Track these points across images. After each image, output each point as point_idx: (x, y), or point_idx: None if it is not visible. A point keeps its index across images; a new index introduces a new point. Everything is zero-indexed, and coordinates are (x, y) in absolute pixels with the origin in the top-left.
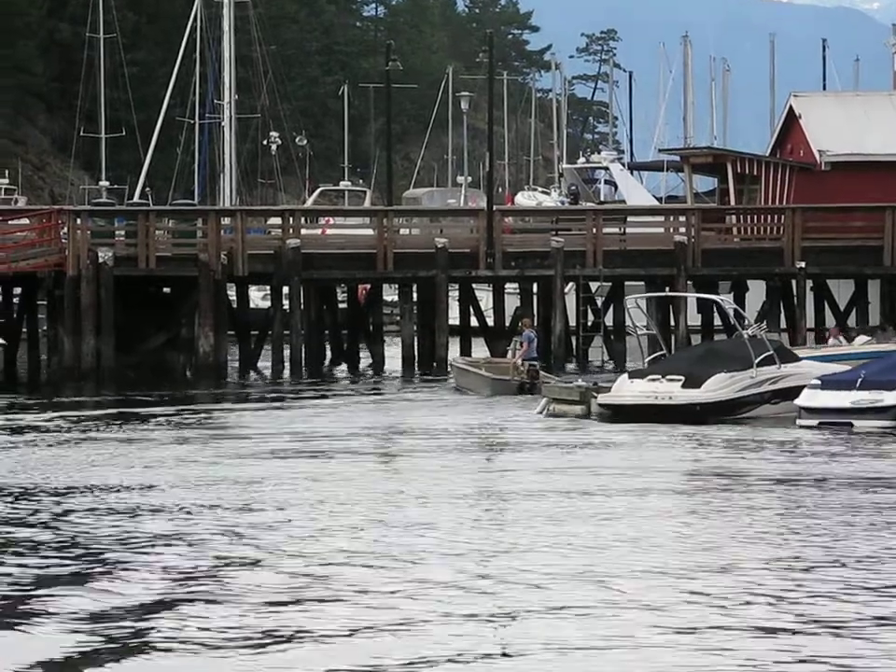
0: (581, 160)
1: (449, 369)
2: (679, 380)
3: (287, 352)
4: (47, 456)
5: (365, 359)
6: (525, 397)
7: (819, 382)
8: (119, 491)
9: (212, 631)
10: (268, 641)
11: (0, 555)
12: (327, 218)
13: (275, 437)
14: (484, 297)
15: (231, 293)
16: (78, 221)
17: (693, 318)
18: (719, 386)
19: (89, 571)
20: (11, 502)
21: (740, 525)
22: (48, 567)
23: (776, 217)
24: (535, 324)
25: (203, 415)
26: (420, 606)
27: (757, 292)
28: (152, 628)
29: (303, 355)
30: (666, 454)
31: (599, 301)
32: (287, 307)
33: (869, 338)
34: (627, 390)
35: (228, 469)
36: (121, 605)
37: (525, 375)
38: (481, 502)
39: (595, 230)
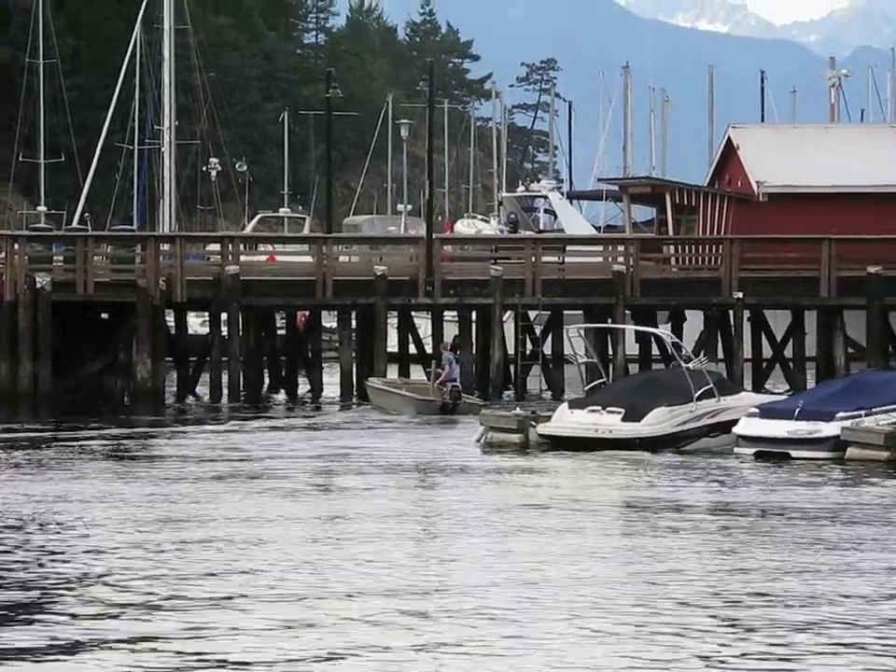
0: (521, 188)
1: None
2: (620, 412)
3: (225, 378)
4: None
5: (304, 386)
6: (454, 422)
7: (758, 410)
8: None
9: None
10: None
11: None
12: (265, 245)
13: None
14: (423, 324)
15: (170, 319)
16: (16, 246)
17: (632, 348)
18: (658, 421)
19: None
20: None
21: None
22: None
23: (713, 247)
24: (474, 350)
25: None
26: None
27: (695, 322)
28: None
29: (241, 381)
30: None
31: (538, 330)
32: (225, 333)
33: None
34: (567, 421)
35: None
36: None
37: (448, 396)
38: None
39: (534, 258)
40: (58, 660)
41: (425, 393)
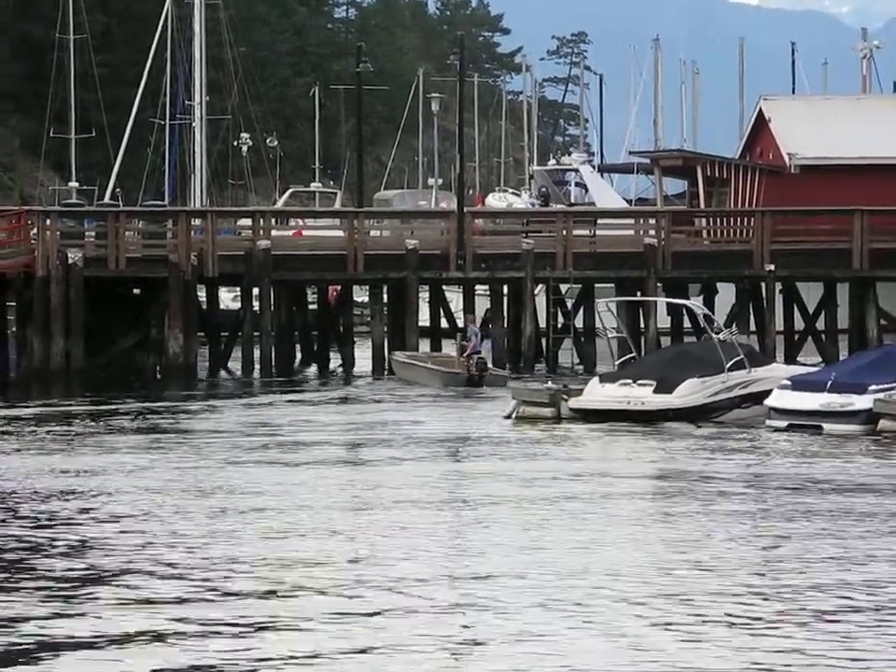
0: (552, 162)
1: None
2: (651, 384)
3: (256, 353)
4: None
5: (335, 361)
6: (483, 395)
7: (790, 382)
8: None
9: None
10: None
11: None
12: (296, 220)
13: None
14: (455, 298)
15: (202, 294)
16: (48, 222)
17: (663, 321)
18: (690, 392)
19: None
20: None
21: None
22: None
23: (745, 219)
24: (505, 324)
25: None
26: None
27: (727, 295)
28: None
29: (273, 356)
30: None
31: (569, 304)
32: (257, 308)
33: None
34: (599, 394)
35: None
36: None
37: (474, 368)
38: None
39: (565, 232)
40: (77, 623)
41: (450, 366)
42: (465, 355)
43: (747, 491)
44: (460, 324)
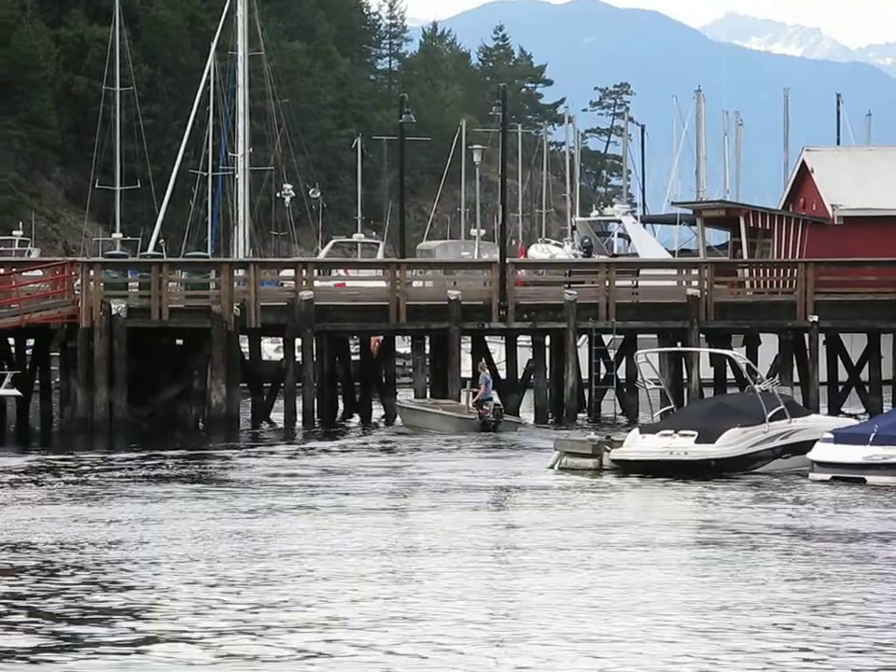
0: (595, 213)
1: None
2: (692, 435)
3: (299, 404)
4: None
5: (378, 411)
6: (502, 443)
7: (832, 436)
8: None
9: None
10: None
11: None
12: (340, 271)
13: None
14: (497, 349)
15: (244, 345)
16: (92, 273)
17: (706, 372)
18: (732, 442)
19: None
20: None
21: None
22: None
23: (788, 270)
24: (547, 375)
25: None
26: None
27: (770, 346)
28: None
29: (316, 407)
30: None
31: (612, 354)
32: (299, 359)
33: None
34: (640, 445)
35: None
36: None
37: (490, 414)
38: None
39: (607, 282)
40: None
41: (459, 411)
42: (475, 401)
43: (788, 541)
44: (503, 375)
